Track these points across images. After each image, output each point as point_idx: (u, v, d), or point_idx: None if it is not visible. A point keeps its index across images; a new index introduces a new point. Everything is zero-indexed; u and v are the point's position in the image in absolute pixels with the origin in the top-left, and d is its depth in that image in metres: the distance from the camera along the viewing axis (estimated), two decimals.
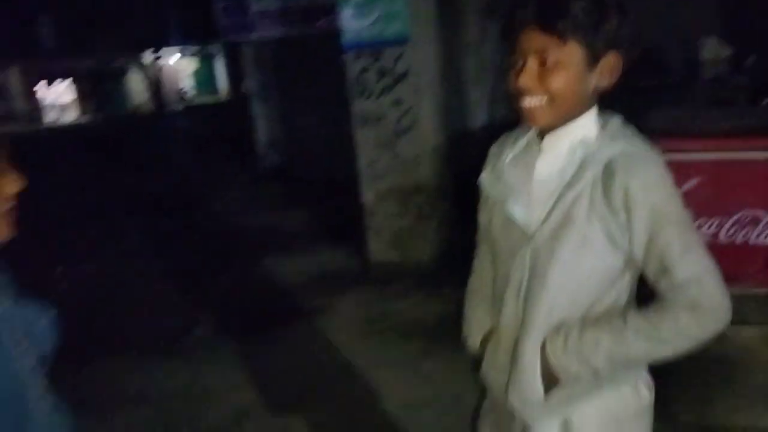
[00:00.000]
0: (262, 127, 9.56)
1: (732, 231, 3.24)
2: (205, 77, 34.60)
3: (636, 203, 1.26)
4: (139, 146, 16.19)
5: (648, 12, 5.50)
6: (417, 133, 4.93)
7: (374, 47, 4.86)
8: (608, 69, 1.30)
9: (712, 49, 5.84)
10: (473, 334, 1.62)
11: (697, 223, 3.13)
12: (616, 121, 1.37)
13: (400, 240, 5.10)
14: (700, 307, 1.28)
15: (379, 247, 5.19)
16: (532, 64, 1.28)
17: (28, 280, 1.39)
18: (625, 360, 1.34)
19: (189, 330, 4.42)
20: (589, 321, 1.36)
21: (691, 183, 3.06)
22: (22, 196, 1.20)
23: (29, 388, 1.21)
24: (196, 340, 4.28)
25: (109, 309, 4.91)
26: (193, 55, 33.25)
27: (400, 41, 4.78)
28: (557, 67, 1.26)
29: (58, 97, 31.02)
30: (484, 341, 1.58)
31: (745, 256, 3.26)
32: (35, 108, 29.79)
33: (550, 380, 1.38)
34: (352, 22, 4.88)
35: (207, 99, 31.07)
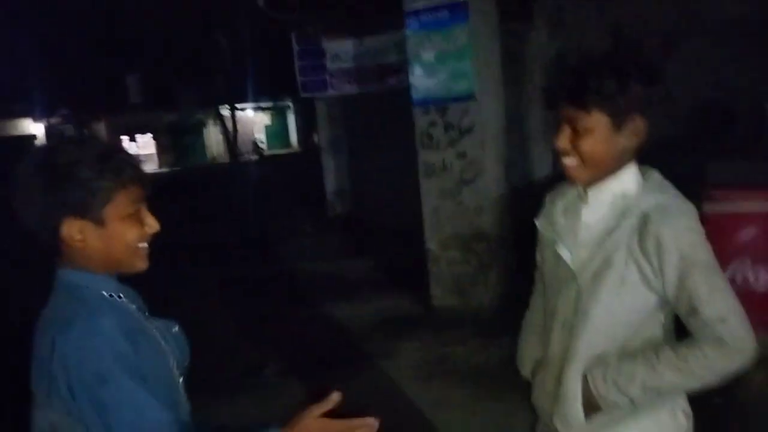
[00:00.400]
0: (331, 177, 9.93)
1: None
2: (278, 130, 35.91)
3: (666, 250, 1.43)
4: (215, 196, 16.94)
5: (717, 64, 5.60)
6: (480, 183, 5.12)
7: (441, 103, 5.13)
8: (635, 131, 1.48)
9: None
10: (525, 363, 1.80)
11: (755, 269, 3.16)
12: (655, 176, 1.55)
13: (462, 286, 5.24)
14: (726, 343, 1.42)
15: (441, 293, 5.34)
16: (566, 129, 1.50)
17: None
18: (657, 390, 1.48)
19: (259, 370, 4.63)
20: (626, 354, 1.51)
21: (750, 232, 3.11)
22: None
23: (179, 389, 1.43)
24: (265, 379, 4.48)
25: None
26: (267, 108, 34.67)
27: (466, 98, 5.04)
28: (585, 133, 1.47)
29: (140, 149, 32.81)
30: (535, 370, 1.73)
31: None
32: None
33: (591, 407, 1.52)
34: (421, 80, 5.18)
35: (279, 150, 32.19)
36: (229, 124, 28.11)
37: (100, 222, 1.28)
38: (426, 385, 4.11)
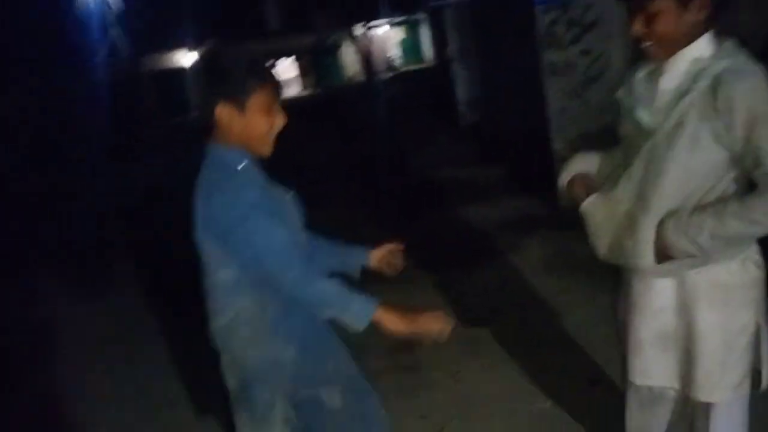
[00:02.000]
0: (462, 87, 10.02)
1: None
2: (411, 45, 35.60)
3: (736, 108, 1.57)
4: (353, 114, 17.54)
5: None
6: (606, 80, 5.07)
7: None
8: (701, 5, 1.61)
9: None
10: (565, 175, 2.07)
11: None
12: (728, 43, 1.67)
13: None
14: None
15: None
16: (638, 17, 1.66)
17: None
18: (725, 238, 1.65)
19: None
20: (698, 208, 1.67)
21: None
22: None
23: (302, 235, 1.88)
24: (408, 271, 4.89)
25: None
26: (400, 24, 34.45)
27: None
28: (655, 17, 1.63)
29: (282, 74, 34.16)
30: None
31: None
32: None
33: (662, 256, 1.72)
34: None
35: (413, 66, 32.09)
36: (364, 43, 28.40)
37: (243, 110, 1.67)
38: (549, 276, 4.34)
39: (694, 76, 1.64)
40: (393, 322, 1.71)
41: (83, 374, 4.06)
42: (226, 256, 1.68)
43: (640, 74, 1.82)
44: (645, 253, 1.74)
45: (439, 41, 11.69)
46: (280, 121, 1.76)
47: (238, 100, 1.66)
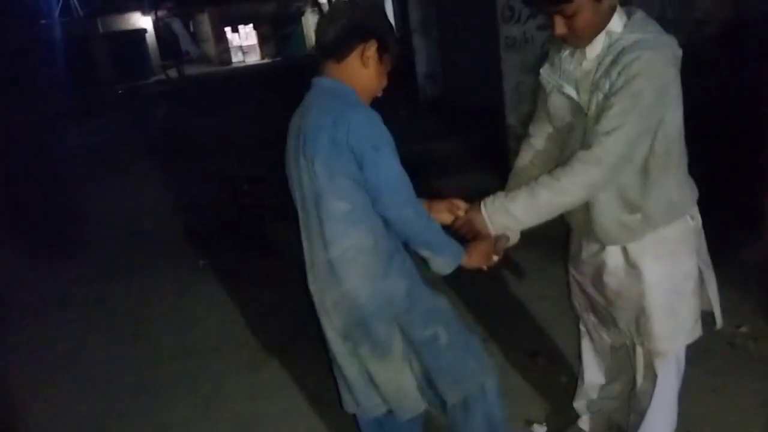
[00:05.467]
0: (422, 60, 9.98)
1: None
2: None
3: (623, 73, 1.64)
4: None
5: None
6: None
7: None
8: None
9: None
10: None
11: None
12: (638, 16, 1.74)
13: None
14: (591, 154, 1.68)
15: None
16: (558, 20, 1.70)
17: None
18: (537, 207, 1.78)
19: None
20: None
21: None
22: None
23: None
24: None
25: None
26: None
27: None
28: (575, 16, 1.67)
29: (242, 41, 33.47)
30: None
31: None
32: (224, 50, 32.42)
33: (480, 228, 1.90)
34: None
35: None
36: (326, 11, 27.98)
37: (380, 59, 1.83)
38: None
39: (608, 50, 1.71)
40: (469, 263, 1.89)
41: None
42: (347, 183, 1.72)
43: (565, 52, 1.84)
44: (603, 228, 1.87)
45: (400, 14, 11.60)
46: (384, 85, 1.88)
47: (384, 45, 1.80)
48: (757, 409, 2.52)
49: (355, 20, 1.78)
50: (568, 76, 1.81)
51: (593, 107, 1.72)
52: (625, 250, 1.91)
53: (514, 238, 1.99)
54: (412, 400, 1.91)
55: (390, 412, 1.95)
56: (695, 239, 1.90)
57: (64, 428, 3.09)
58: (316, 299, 1.89)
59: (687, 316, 1.92)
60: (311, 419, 2.89)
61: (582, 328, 2.26)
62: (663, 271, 1.87)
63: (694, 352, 2.06)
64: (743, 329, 3.04)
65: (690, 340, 1.95)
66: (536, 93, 2.01)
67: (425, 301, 1.87)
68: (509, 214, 1.80)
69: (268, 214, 5.78)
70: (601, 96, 1.69)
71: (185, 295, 4.47)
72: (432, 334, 1.85)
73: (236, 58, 32.76)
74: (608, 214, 1.84)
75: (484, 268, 1.96)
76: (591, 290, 2.08)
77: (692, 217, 1.89)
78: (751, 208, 3.43)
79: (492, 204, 1.84)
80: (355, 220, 1.74)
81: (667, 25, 1.82)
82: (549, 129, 1.98)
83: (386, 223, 1.77)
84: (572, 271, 2.17)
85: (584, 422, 2.42)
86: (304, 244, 1.88)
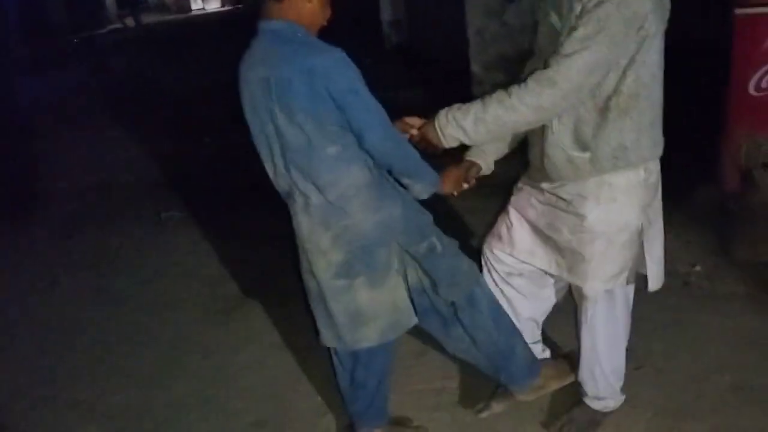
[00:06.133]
0: (387, 7, 9.77)
1: None
2: None
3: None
4: None
5: None
6: (525, 1, 5.04)
7: None
8: None
9: None
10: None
11: None
12: None
13: None
14: (546, 75, 1.67)
15: None
16: None
17: None
18: (486, 122, 1.78)
19: None
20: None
21: None
22: None
23: None
24: None
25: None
26: None
27: None
28: None
29: None
30: None
31: None
32: None
33: (432, 138, 1.94)
34: None
35: None
36: None
37: None
38: (461, 197, 4.39)
39: None
40: (442, 189, 2.04)
41: None
42: (335, 129, 1.76)
43: None
44: (552, 161, 1.89)
45: None
46: (329, 15, 1.90)
47: None
48: (709, 344, 2.60)
49: None
50: (554, 2, 1.78)
51: (565, 31, 1.70)
52: (571, 188, 1.92)
53: (486, 167, 2.00)
54: (405, 315, 2.03)
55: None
56: (643, 193, 1.88)
57: (22, 385, 3.04)
58: (308, 244, 1.93)
59: (613, 263, 1.91)
60: (275, 369, 2.90)
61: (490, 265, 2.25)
62: (599, 216, 1.88)
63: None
64: (698, 268, 3.12)
65: (609, 286, 1.95)
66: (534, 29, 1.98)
67: (416, 217, 1.99)
68: (459, 127, 1.82)
69: (231, 167, 5.69)
70: (573, 19, 1.66)
71: (147, 247, 4.41)
72: (428, 245, 1.99)
73: (195, 6, 31.69)
74: (559, 148, 1.85)
75: (455, 193, 2.09)
76: (533, 215, 2.08)
77: (646, 170, 1.86)
78: (708, 149, 3.47)
79: (444, 117, 1.85)
80: (348, 159, 1.82)
81: None
82: (540, 67, 1.96)
83: (371, 155, 1.86)
84: (525, 188, 2.15)
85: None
86: (289, 198, 1.93)
